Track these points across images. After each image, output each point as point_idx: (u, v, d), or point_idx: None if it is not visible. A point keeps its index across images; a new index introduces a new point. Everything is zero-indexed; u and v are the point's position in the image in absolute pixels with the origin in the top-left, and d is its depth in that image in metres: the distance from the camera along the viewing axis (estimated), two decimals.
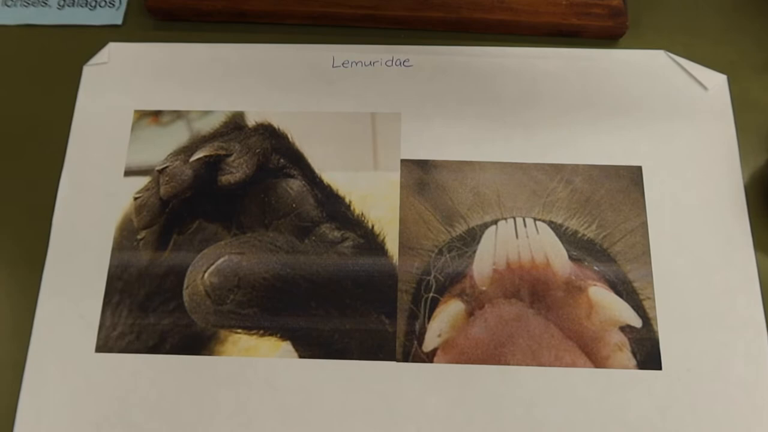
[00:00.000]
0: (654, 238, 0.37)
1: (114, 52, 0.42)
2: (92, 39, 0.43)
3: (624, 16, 0.41)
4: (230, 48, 0.42)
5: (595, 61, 0.41)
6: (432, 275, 0.36)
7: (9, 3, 0.43)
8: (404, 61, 0.41)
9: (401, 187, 0.38)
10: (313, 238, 0.37)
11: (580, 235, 0.37)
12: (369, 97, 0.40)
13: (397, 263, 0.37)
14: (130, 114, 0.41)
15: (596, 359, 0.35)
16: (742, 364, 0.35)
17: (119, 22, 0.43)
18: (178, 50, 0.42)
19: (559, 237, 0.37)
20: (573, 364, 0.35)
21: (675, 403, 0.34)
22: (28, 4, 0.44)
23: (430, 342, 0.35)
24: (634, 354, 0.35)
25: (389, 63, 0.41)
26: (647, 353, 0.35)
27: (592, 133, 0.39)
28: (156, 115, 0.40)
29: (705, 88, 0.40)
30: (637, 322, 0.36)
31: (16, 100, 0.41)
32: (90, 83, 0.41)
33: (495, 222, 0.37)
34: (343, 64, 0.41)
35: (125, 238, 0.38)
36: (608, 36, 0.42)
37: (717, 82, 0.41)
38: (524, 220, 0.37)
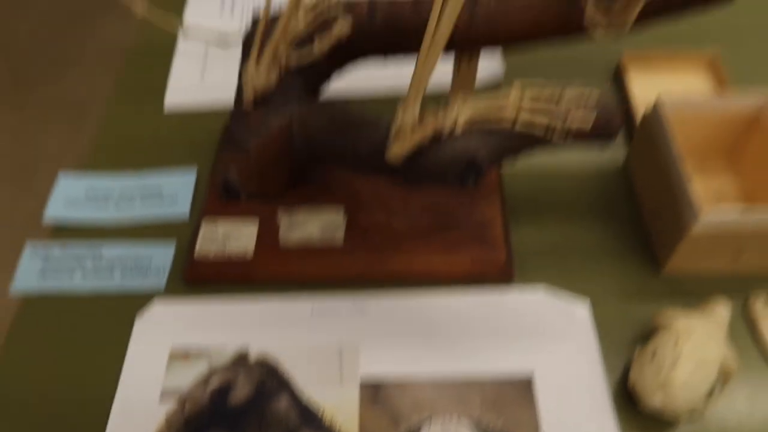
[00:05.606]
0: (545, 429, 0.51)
1: (157, 307, 0.60)
2: (142, 298, 0.61)
3: (510, 269, 0.59)
4: (239, 303, 0.60)
5: (494, 297, 0.59)
6: None
7: (86, 276, 0.62)
8: (362, 308, 0.59)
9: (360, 398, 0.53)
10: None
11: (491, 426, 0.51)
12: (337, 335, 0.57)
13: None
14: (166, 354, 0.57)
15: None
16: None
17: (162, 287, 0.62)
18: (203, 306, 0.60)
19: (475, 429, 0.51)
20: None
21: None
22: (100, 278, 0.62)
23: None
24: None
25: (352, 310, 0.58)
26: None
27: (496, 350, 0.55)
28: (186, 354, 0.57)
29: (574, 311, 0.57)
30: None
31: (89, 341, 0.58)
32: (139, 331, 0.58)
33: (429, 418, 0.51)
34: (318, 313, 0.58)
35: None
36: (502, 280, 0.60)
37: (583, 306, 0.58)
38: (451, 416, 0.51)
